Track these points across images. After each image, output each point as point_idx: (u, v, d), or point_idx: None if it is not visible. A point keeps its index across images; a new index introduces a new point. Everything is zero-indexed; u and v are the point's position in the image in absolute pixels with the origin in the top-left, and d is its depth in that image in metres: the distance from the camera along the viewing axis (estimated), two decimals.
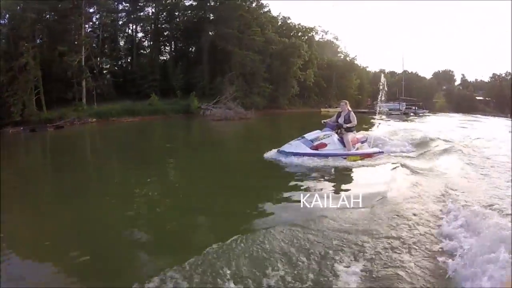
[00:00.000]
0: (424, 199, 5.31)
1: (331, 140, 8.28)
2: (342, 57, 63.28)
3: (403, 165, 7.96)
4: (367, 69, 69.81)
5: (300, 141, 8.19)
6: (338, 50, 64.88)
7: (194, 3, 47.86)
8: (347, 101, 8.75)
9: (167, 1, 47.65)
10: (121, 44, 47.13)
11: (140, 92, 42.10)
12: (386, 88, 14.00)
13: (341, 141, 8.37)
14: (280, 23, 53.39)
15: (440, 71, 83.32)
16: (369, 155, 8.64)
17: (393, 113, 43.96)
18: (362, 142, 9.00)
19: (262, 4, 49.15)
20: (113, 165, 11.35)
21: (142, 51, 48.46)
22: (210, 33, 45.17)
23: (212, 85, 42.50)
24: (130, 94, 42.12)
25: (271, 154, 8.63)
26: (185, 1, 48.18)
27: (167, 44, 47.76)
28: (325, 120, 8.91)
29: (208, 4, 46.54)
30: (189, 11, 48.84)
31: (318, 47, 55.85)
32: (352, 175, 7.49)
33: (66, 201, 6.53)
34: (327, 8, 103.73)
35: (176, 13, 48.51)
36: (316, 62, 52.77)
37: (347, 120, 8.50)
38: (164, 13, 48.16)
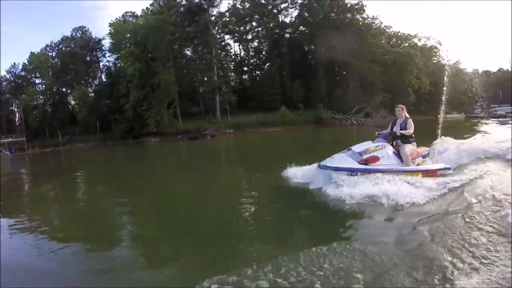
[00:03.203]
0: None
1: (385, 153, 6.58)
2: (446, 62, 61.01)
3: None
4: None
5: (346, 153, 6.58)
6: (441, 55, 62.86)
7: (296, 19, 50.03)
8: (403, 106, 7.18)
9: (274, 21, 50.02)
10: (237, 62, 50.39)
11: (262, 106, 43.63)
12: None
13: (398, 154, 6.74)
14: (390, 33, 52.98)
15: None
16: (433, 172, 6.89)
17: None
18: (424, 157, 7.25)
19: (374, 16, 49.44)
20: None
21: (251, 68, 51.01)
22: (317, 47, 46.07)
23: (333, 97, 42.71)
24: (250, 107, 43.90)
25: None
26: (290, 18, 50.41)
27: (281, 60, 49.11)
28: (379, 132, 7.21)
29: (318, 19, 47.62)
30: (298, 28, 50.52)
31: (422, 53, 54.54)
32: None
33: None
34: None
35: (287, 30, 50.53)
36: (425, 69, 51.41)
37: (404, 128, 6.87)
38: (277, 30, 50.22)
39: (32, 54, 57.99)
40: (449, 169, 7.20)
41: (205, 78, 43.97)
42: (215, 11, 46.30)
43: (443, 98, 10.76)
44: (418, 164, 6.96)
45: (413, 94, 46.62)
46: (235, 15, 47.64)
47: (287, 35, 51.45)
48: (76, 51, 55.33)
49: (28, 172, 19.58)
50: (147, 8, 51.29)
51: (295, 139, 26.78)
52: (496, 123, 29.48)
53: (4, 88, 63.69)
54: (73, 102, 58.49)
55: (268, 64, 52.48)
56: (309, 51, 50.16)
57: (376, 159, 6.40)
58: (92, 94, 52.05)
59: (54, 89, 56.04)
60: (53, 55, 58.81)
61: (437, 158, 8.00)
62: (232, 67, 51.17)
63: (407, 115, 6.96)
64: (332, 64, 45.60)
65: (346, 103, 41.35)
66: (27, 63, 58.61)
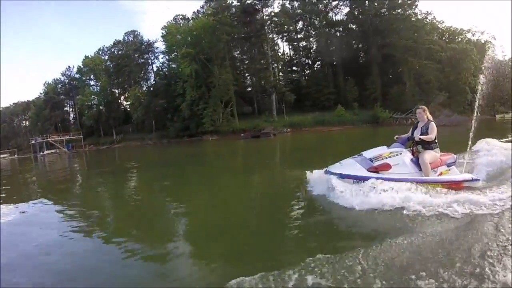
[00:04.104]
0: None
1: (400, 160, 5.88)
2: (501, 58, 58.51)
3: None
4: None
5: (356, 159, 5.99)
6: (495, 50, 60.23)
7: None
8: (425, 107, 6.33)
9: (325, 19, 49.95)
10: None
11: (316, 105, 43.71)
12: None
13: (416, 162, 5.99)
14: (442, 28, 51.60)
15: None
16: (457, 184, 5.99)
17: None
18: (449, 165, 6.28)
19: (427, 11, 48.34)
20: None
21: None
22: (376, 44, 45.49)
23: (389, 96, 42.17)
24: (304, 107, 44.06)
25: (315, 175, 6.67)
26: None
27: (333, 59, 48.98)
28: (398, 136, 6.36)
29: (370, 15, 47.10)
30: (348, 25, 50.25)
31: (477, 48, 52.66)
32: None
33: None
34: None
35: (338, 28, 50.49)
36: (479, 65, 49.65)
37: (425, 133, 6.06)
38: (326, 29, 50.22)
39: (86, 57, 61.18)
40: (477, 180, 6.19)
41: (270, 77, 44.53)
42: (269, 11, 46.93)
43: (478, 96, 8.98)
44: (441, 173, 6.17)
45: (470, 93, 45.15)
46: (285, 14, 47.82)
47: (338, 33, 51.25)
48: (130, 53, 57.71)
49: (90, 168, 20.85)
50: (197, 10, 52.97)
51: (354, 138, 26.44)
52: None
53: (59, 90, 67.76)
54: (125, 103, 61.37)
55: (318, 63, 52.54)
56: (361, 48, 49.68)
57: (387, 166, 5.77)
58: (146, 94, 53.88)
59: (108, 90, 58.58)
60: (105, 58, 61.79)
61: (473, 165, 7.27)
62: (280, 67, 51.51)
63: (430, 118, 6.23)
64: (386, 62, 44.92)
65: (403, 102, 40.54)
66: (81, 66, 61.93)
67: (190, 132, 43.95)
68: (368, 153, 5.98)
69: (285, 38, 51.55)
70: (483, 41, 55.50)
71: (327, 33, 49.88)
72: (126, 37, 60.74)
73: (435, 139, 6.01)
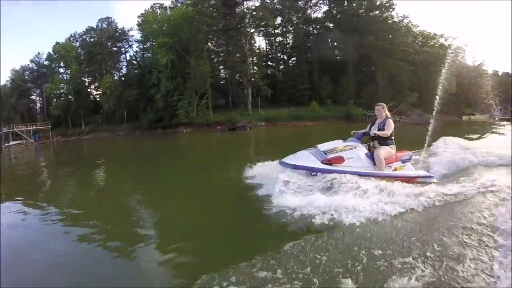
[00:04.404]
0: None
1: (354, 154, 5.97)
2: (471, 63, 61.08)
3: None
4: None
5: (310, 151, 6.05)
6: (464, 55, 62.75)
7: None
8: (384, 105, 6.48)
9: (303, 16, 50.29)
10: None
11: (291, 100, 43.82)
12: None
13: (371, 157, 6.14)
14: (416, 31, 53.15)
15: None
16: (411, 179, 6.19)
17: None
18: (404, 161, 6.47)
19: (404, 15, 49.69)
20: None
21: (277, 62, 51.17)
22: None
23: (362, 94, 42.90)
24: (279, 101, 44.04)
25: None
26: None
27: (309, 55, 49.30)
28: (355, 131, 6.50)
29: (348, 15, 47.83)
30: (325, 23, 50.81)
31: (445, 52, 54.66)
32: None
33: None
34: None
35: (315, 26, 50.89)
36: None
37: (381, 129, 6.22)
38: (303, 26, 50.55)
39: (57, 44, 58.40)
40: (431, 177, 6.38)
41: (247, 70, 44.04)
42: (249, 4, 46.54)
43: (437, 97, 9.97)
44: (395, 169, 6.29)
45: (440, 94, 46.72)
46: (265, 9, 47.64)
47: (315, 31, 51.69)
48: (103, 41, 55.60)
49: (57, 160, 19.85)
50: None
51: (328, 132, 26.80)
52: None
53: (27, 77, 64.31)
54: (95, 92, 59.12)
55: (294, 59, 52.76)
56: (337, 47, 50.25)
57: (341, 159, 5.82)
58: (118, 84, 51.98)
59: (79, 79, 56.12)
60: (77, 45, 59.23)
61: (430, 162, 7.44)
62: (256, 61, 51.27)
63: (388, 115, 6.35)
64: (361, 61, 45.72)
65: (376, 100, 41.39)
66: (52, 53, 59.08)
67: (164, 124, 42.93)
68: (323, 146, 6.05)
69: (261, 32, 51.31)
70: (454, 47, 57.68)
71: (305, 30, 50.22)
72: (99, 24, 58.33)
73: (391, 135, 6.15)
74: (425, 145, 7.81)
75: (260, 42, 53.20)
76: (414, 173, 6.38)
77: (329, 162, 5.75)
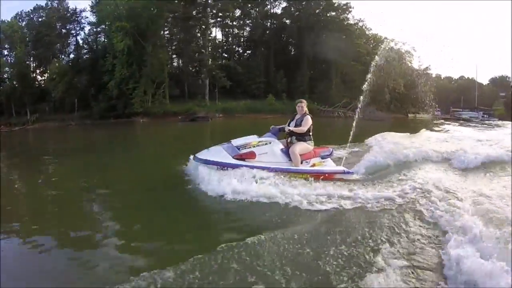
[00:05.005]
0: None
1: (268, 149, 6.04)
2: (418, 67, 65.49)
3: None
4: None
5: (223, 146, 6.16)
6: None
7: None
8: (304, 101, 6.75)
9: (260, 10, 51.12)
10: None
11: (247, 93, 44.39)
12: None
13: (287, 152, 6.21)
14: (369, 34, 56.01)
15: (497, 77, 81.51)
16: (328, 175, 6.26)
17: (474, 121, 46.10)
18: (323, 157, 6.52)
19: (360, 18, 52.34)
20: None
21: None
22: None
23: (316, 90, 44.60)
24: (234, 94, 44.34)
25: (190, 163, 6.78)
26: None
27: (265, 49, 50.12)
28: (273, 126, 6.57)
29: (306, 14, 49.29)
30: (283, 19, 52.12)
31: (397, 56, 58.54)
32: None
33: None
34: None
35: (272, 21, 51.92)
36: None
37: (298, 125, 6.34)
38: (260, 20, 51.51)
39: (3, 22, 53.52)
40: (350, 173, 6.46)
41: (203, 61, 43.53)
42: None
43: (363, 95, 10.26)
44: (313, 165, 6.30)
45: (388, 94, 49.85)
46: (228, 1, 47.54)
47: (273, 26, 52.71)
48: (52, 21, 51.90)
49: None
50: None
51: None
52: (459, 125, 32.97)
53: None
54: (40, 78, 55.14)
55: (249, 52, 53.35)
56: (292, 43, 51.74)
57: (253, 155, 5.88)
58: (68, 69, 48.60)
59: (24, 63, 52.02)
60: (23, 25, 54.83)
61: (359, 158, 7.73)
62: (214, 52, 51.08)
63: (307, 111, 6.51)
64: (316, 59, 47.46)
65: (329, 97, 43.58)
66: None
67: (117, 113, 41.08)
68: (237, 141, 6.18)
69: (218, 23, 51.09)
70: (403, 51, 61.71)
71: (262, 24, 51.02)
72: (49, 3, 54.03)
73: (308, 131, 6.37)
74: (349, 140, 8.18)
75: (216, 33, 52.98)
76: (331, 169, 6.48)
77: (241, 157, 5.86)
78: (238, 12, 50.97)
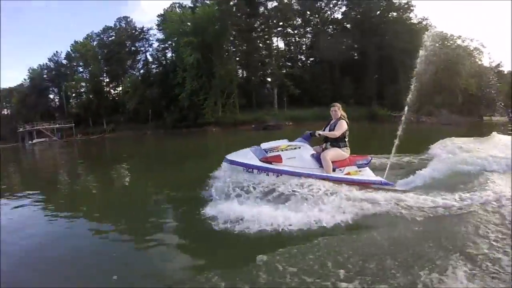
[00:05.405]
0: None
1: (297, 154, 5.86)
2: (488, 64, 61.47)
3: None
4: None
5: (251, 149, 6.11)
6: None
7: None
8: (338, 105, 6.28)
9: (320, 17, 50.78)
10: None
11: (314, 101, 44.17)
12: None
13: (318, 158, 5.94)
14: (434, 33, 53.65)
15: None
16: (364, 184, 5.88)
17: None
18: (360, 166, 6.12)
19: (424, 16, 50.15)
20: None
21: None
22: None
23: (385, 94, 43.47)
24: (302, 101, 44.43)
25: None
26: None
27: (329, 56, 49.69)
28: (309, 131, 6.26)
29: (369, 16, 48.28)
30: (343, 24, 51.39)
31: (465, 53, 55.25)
32: None
33: None
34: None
35: (334, 26, 51.44)
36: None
37: (332, 130, 6.03)
38: (319, 26, 51.27)
39: (76, 42, 58.86)
40: (389, 184, 5.97)
41: (268, 71, 44.37)
42: (274, 4, 47.01)
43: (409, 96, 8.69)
44: (348, 173, 5.93)
45: (461, 95, 47.25)
46: (288, 10, 48.02)
47: (334, 32, 52.09)
48: (122, 40, 56.13)
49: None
50: None
51: (356, 133, 27.16)
52: None
53: (45, 76, 64.70)
54: (113, 92, 59.79)
55: (311, 59, 53.23)
56: (357, 48, 50.75)
57: (279, 158, 5.74)
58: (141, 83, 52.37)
59: (99, 78, 56.80)
60: (94, 44, 59.76)
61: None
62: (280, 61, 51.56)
63: (344, 115, 6.15)
64: (382, 62, 46.23)
65: (399, 101, 42.06)
66: (70, 51, 59.57)
67: (188, 123, 43.24)
68: (265, 144, 6.05)
69: (280, 33, 51.39)
70: (472, 48, 58.20)
71: (324, 31, 50.76)
72: (117, 23, 58.94)
73: (343, 137, 5.93)
74: (393, 150, 6.96)
75: (277, 42, 53.59)
76: (364, 178, 5.97)
77: (267, 160, 5.74)
78: (299, 21, 51.16)
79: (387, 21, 46.98)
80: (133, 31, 57.73)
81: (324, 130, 6.05)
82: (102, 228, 5.18)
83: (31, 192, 8.37)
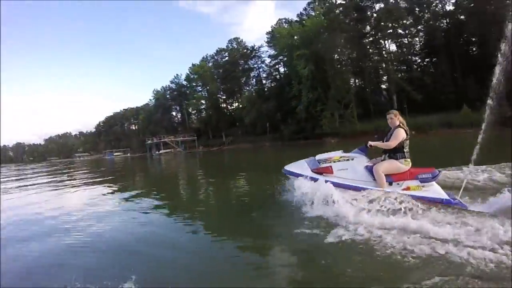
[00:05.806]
0: None
1: (349, 166, 5.53)
2: None
3: None
4: None
5: (306, 160, 6.03)
6: None
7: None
8: (395, 112, 5.43)
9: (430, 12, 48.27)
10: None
11: (436, 105, 42.21)
12: None
13: (371, 170, 5.38)
14: None
15: None
16: (423, 201, 4.88)
17: None
18: (423, 180, 5.18)
19: None
20: None
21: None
22: None
23: None
24: (423, 107, 42.75)
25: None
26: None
27: (446, 55, 47.06)
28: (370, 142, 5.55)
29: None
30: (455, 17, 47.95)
31: None
32: None
33: None
34: None
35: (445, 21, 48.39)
36: None
37: (387, 140, 5.36)
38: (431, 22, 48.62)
39: (194, 65, 67.01)
40: (450, 202, 4.89)
41: (384, 77, 44.24)
42: (381, 6, 46.58)
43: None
44: (407, 188, 5.28)
45: None
46: (397, 10, 46.51)
47: (447, 26, 48.30)
48: (236, 59, 61.88)
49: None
50: (301, 13, 55.10)
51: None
52: None
53: (168, 95, 75.45)
54: (229, 107, 66.32)
55: (427, 60, 50.69)
56: (474, 42, 46.49)
57: (329, 170, 5.64)
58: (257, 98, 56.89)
59: (217, 96, 63.73)
60: (209, 65, 66.99)
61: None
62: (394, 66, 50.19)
63: (403, 122, 5.43)
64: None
65: None
66: (189, 73, 68.06)
67: (305, 134, 44.95)
68: (320, 155, 6.00)
69: (390, 35, 49.23)
70: None
71: (437, 27, 48.03)
72: (229, 45, 65.17)
73: (401, 147, 5.33)
74: (473, 157, 5.48)
75: (389, 45, 52.41)
76: (423, 194, 5.14)
77: (318, 171, 5.72)
78: (409, 19, 49.43)
79: (509, 4, 42.24)
80: (245, 50, 62.91)
81: (383, 141, 5.52)
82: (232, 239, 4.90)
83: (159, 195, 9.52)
